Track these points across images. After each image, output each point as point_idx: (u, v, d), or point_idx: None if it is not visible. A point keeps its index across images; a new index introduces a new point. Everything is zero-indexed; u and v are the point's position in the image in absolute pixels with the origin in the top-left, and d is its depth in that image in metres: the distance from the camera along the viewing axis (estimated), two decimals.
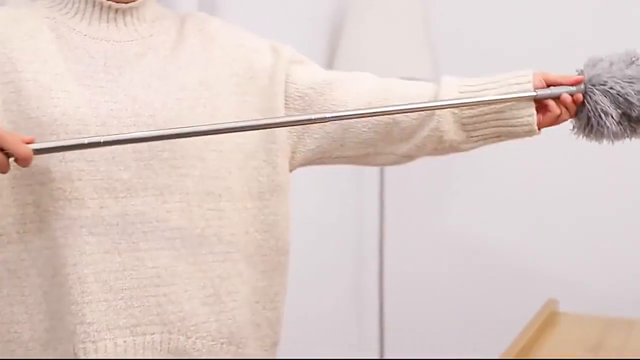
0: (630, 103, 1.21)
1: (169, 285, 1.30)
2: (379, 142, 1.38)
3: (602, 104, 1.22)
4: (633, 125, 1.24)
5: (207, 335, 1.33)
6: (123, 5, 1.33)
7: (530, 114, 1.28)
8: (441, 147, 1.36)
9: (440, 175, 2.63)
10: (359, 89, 1.38)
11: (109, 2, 1.32)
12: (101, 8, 1.33)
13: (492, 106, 1.29)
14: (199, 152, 1.32)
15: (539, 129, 1.30)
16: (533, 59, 2.47)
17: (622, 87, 1.21)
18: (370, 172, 2.64)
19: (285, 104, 1.39)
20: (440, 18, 2.59)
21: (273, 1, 2.35)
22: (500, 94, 1.28)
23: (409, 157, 1.41)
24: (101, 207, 1.27)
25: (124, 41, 1.34)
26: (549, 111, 1.29)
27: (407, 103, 1.30)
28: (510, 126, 1.29)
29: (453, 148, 1.36)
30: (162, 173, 1.29)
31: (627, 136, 1.26)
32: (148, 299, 1.29)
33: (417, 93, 1.35)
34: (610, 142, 1.25)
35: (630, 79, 1.21)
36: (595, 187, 2.51)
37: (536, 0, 2.52)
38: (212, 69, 1.36)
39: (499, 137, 1.33)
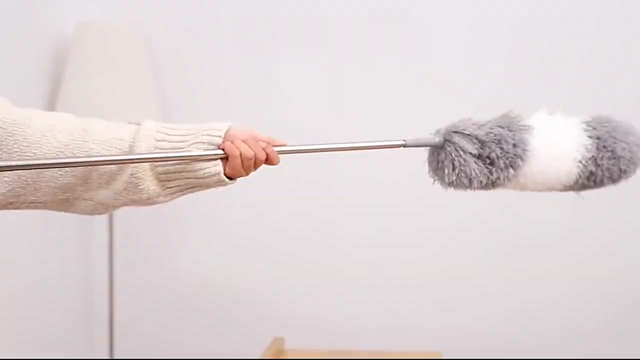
0: (482, 142, 1.32)
1: None
2: (78, 187, 1.30)
3: (461, 143, 1.32)
4: (489, 167, 1.33)
5: None
6: None
7: (215, 164, 1.26)
8: (139, 197, 1.30)
9: (168, 214, 2.57)
10: (54, 129, 1.27)
11: None
12: None
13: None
14: None
15: (229, 178, 1.27)
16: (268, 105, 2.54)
17: (473, 130, 1.33)
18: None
19: None
20: (167, 63, 2.58)
21: None
22: (192, 146, 1.26)
23: (108, 206, 1.33)
24: None
25: None
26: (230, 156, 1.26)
27: (99, 155, 1.26)
28: (200, 178, 1.27)
29: (151, 200, 1.30)
30: None
31: (489, 179, 1.34)
32: None
33: (117, 136, 1.29)
34: (474, 184, 1.33)
35: (478, 124, 1.34)
36: (311, 225, 2.53)
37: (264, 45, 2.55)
38: None
39: (193, 187, 1.30)
